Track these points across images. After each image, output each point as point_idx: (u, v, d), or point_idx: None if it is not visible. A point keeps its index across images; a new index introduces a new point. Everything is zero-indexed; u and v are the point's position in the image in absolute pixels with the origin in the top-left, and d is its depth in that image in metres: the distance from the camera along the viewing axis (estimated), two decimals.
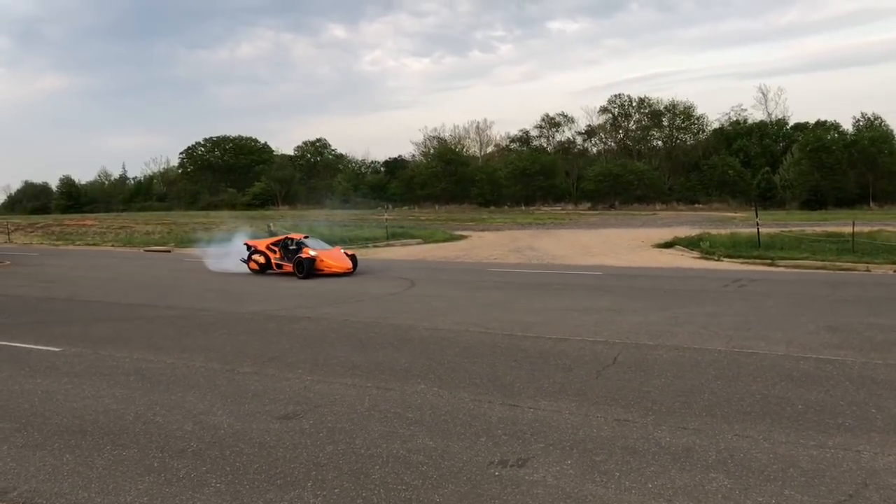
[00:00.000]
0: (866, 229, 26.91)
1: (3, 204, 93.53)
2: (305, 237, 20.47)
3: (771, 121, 76.97)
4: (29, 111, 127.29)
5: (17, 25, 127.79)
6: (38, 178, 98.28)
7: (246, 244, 20.94)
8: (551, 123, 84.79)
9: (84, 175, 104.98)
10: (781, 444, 5.47)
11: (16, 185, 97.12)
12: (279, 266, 19.67)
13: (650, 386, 7.21)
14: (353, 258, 19.54)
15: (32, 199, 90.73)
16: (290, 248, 19.73)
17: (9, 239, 41.98)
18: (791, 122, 76.50)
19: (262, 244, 20.60)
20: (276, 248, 20.04)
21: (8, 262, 25.91)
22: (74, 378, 8.19)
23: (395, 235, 32.71)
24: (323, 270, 18.67)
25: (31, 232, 45.93)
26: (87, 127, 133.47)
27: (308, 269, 18.53)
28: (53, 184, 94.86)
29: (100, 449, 5.82)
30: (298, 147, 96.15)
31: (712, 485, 4.76)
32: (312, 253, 18.90)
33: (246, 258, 20.37)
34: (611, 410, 6.44)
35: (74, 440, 6.05)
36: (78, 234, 43.12)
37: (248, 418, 6.50)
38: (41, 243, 39.76)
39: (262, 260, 20.03)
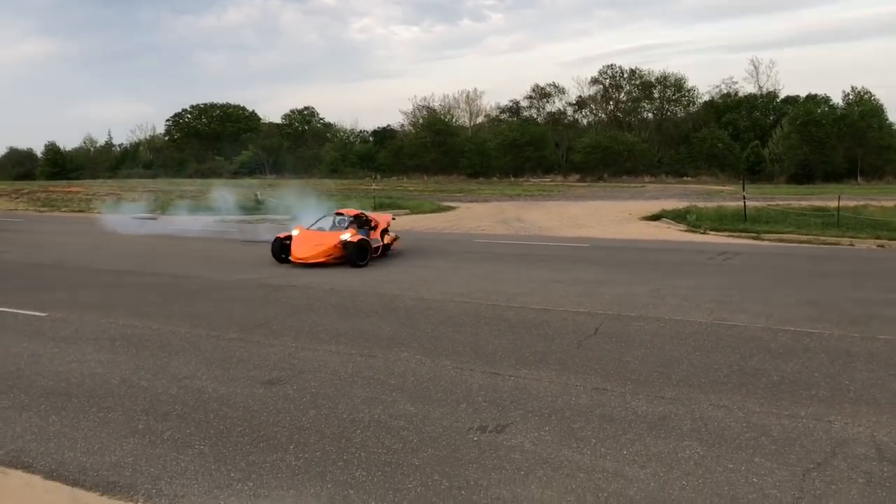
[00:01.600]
0: (852, 204, 27.11)
1: None
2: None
3: (761, 94, 76.91)
4: (13, 76, 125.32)
5: None
6: (22, 144, 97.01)
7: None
8: (542, 94, 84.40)
9: (69, 142, 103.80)
10: (755, 413, 5.61)
11: (0, 151, 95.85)
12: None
13: (630, 356, 7.34)
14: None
15: (17, 166, 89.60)
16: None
17: None
18: (782, 96, 76.49)
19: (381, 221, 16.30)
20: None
21: None
22: (60, 342, 8.23)
23: (382, 206, 32.64)
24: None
25: (17, 198, 45.48)
26: (72, 93, 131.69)
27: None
28: (38, 150, 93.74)
29: (85, 411, 5.89)
30: (286, 115, 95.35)
31: (685, 452, 4.88)
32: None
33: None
34: (590, 379, 6.56)
35: (60, 402, 6.11)
36: (63, 200, 42.76)
37: (233, 383, 6.57)
38: (26, 209, 39.42)
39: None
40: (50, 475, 4.74)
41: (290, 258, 14.60)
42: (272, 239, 15.41)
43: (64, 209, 38.00)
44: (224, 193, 31.90)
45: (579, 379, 6.58)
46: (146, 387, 6.51)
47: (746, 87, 78.74)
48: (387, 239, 16.10)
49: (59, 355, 7.65)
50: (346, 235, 14.65)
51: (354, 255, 14.40)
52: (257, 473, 4.69)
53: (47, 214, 35.79)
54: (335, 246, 14.57)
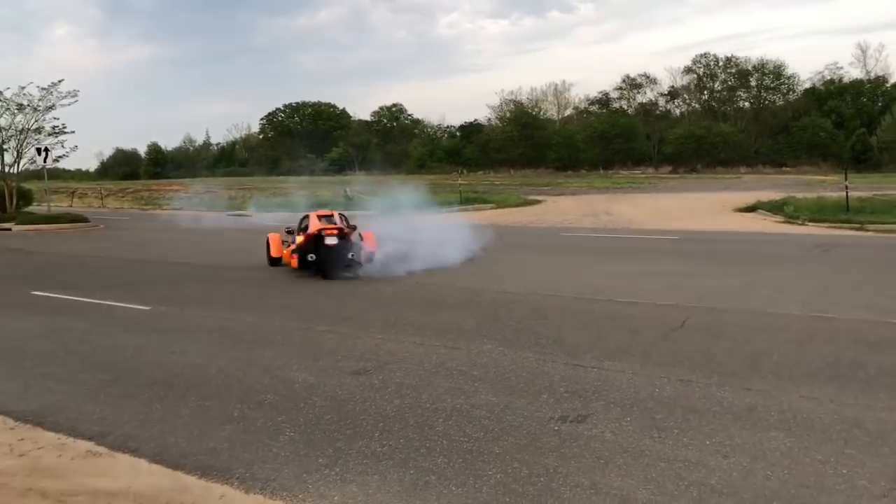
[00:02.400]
0: None
1: (96, 170, 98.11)
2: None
3: (869, 79, 72.55)
4: (118, 80, 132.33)
5: None
6: (127, 145, 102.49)
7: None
8: (632, 85, 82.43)
9: (170, 141, 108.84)
10: (848, 405, 5.39)
11: (107, 152, 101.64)
12: None
13: (717, 349, 7.16)
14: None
15: (123, 165, 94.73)
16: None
17: (102, 204, 44.30)
18: (892, 80, 71.92)
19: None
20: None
21: (102, 226, 27.48)
22: (163, 334, 8.75)
23: (468, 200, 32.83)
24: None
25: (122, 197, 48.32)
26: (172, 94, 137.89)
27: None
28: (142, 150, 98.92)
29: (185, 399, 6.26)
30: (375, 112, 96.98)
31: (772, 443, 4.76)
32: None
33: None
34: (674, 371, 6.45)
35: (162, 391, 6.51)
36: (165, 198, 45.07)
37: (322, 373, 6.83)
38: (131, 208, 41.85)
39: None
40: (154, 459, 5.06)
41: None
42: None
43: (165, 207, 40.04)
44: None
45: (664, 371, 6.48)
46: (241, 377, 6.85)
47: (852, 73, 74.35)
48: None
49: (162, 347, 8.14)
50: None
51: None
52: (344, 459, 4.88)
53: (149, 212, 37.86)
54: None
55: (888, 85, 71.34)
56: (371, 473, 4.64)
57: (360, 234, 13.51)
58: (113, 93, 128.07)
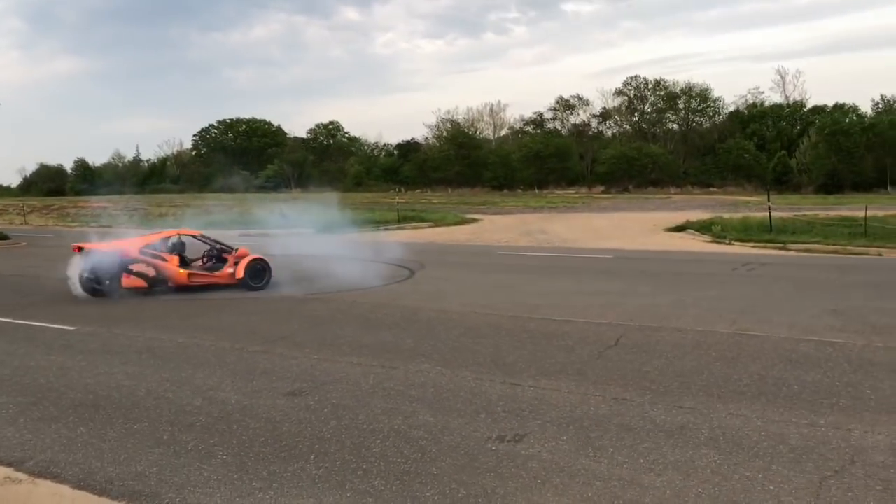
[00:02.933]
0: (881, 213, 26.70)
1: (18, 186, 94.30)
2: (202, 234, 14.35)
3: (788, 103, 76.08)
4: (43, 93, 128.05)
5: (31, 7, 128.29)
6: (52, 160, 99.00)
7: (79, 248, 13.23)
8: (566, 106, 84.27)
9: (98, 157, 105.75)
10: (774, 422, 5.59)
11: (31, 167, 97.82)
12: (191, 277, 13.43)
13: (650, 366, 7.33)
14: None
15: (47, 181, 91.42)
16: (209, 251, 14.04)
17: (25, 221, 42.53)
18: (809, 105, 75.58)
19: (132, 248, 13.36)
20: (166, 253, 13.41)
21: (24, 244, 26.34)
22: (88, 355, 8.43)
23: (406, 218, 32.85)
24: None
25: (47, 214, 46.50)
26: (100, 109, 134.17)
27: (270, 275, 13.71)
28: (68, 166, 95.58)
29: (112, 422, 6.03)
30: (311, 130, 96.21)
31: (703, 460, 4.89)
32: (258, 254, 13.92)
33: (100, 274, 12.87)
34: (609, 389, 6.57)
35: (88, 414, 6.26)
36: (92, 216, 43.54)
37: (256, 395, 6.68)
38: (56, 225, 40.26)
39: (151, 272, 13.23)
40: (78, 485, 4.86)
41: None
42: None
43: (93, 224, 38.69)
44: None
45: (598, 389, 6.59)
46: (171, 398, 6.65)
47: (773, 97, 77.95)
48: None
49: (88, 368, 7.83)
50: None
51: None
52: (279, 482, 4.78)
53: (77, 229, 36.48)
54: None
55: (805, 109, 74.94)
56: (307, 497, 4.56)
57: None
58: (37, 107, 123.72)
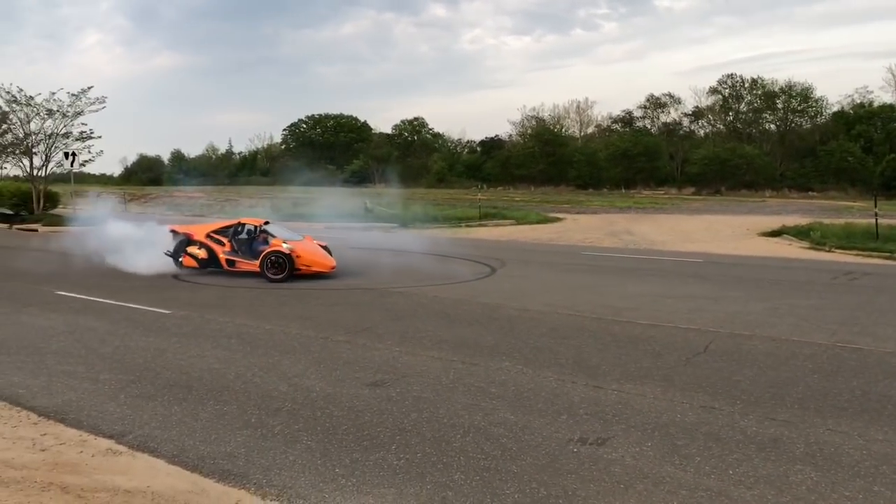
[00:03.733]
0: None
1: (120, 175, 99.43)
2: (266, 223, 15.34)
3: None
4: (144, 88, 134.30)
5: (133, 5, 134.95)
6: (151, 152, 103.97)
7: (173, 231, 15.41)
8: (656, 104, 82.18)
9: (193, 149, 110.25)
10: (877, 441, 5.27)
11: (132, 158, 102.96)
12: (231, 263, 14.58)
13: (741, 375, 7.05)
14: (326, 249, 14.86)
15: (147, 171, 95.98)
16: (244, 237, 14.92)
17: (125, 209, 44.83)
18: None
19: (199, 232, 15.06)
20: (225, 239, 14.77)
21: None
22: (182, 338, 8.79)
23: (488, 216, 32.80)
24: (300, 270, 14.04)
25: (146, 202, 48.87)
26: (196, 103, 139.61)
27: (291, 268, 13.90)
28: (165, 157, 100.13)
29: (204, 403, 6.26)
30: (396, 126, 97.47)
31: (797, 476, 4.65)
32: (286, 246, 14.12)
33: (173, 251, 15.00)
34: (697, 397, 6.35)
35: (182, 393, 6.53)
36: (186, 205, 45.48)
37: (339, 383, 6.81)
38: (154, 213, 42.23)
39: (202, 254, 14.69)
40: (172, 460, 5.08)
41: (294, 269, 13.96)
42: None
43: (187, 213, 40.40)
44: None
45: (686, 396, 6.39)
46: (259, 383, 6.85)
47: (883, 97, 73.57)
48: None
49: (181, 350, 8.17)
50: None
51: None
52: (360, 470, 4.85)
53: (172, 217, 38.18)
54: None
55: None
56: (387, 486, 4.60)
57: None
58: (138, 100, 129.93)
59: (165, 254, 15.05)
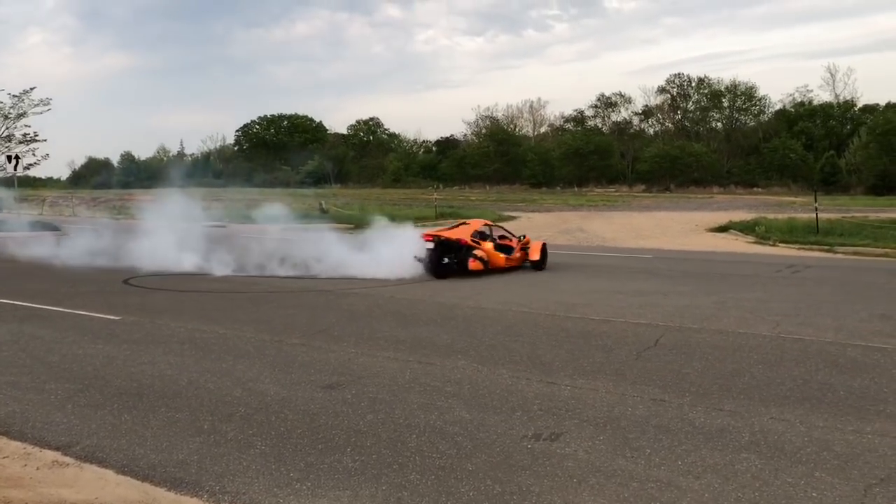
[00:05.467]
0: None
1: (67, 178, 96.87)
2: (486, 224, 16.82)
3: (838, 102, 74.20)
4: (92, 89, 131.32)
5: (82, 4, 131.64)
6: (100, 154, 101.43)
7: (434, 236, 14.87)
8: (607, 103, 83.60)
9: (143, 151, 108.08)
10: (818, 428, 5.46)
11: (80, 161, 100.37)
12: (485, 262, 15.12)
13: (690, 368, 7.23)
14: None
15: (95, 174, 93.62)
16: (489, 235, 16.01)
17: (73, 213, 43.66)
18: (860, 104, 73.65)
19: (464, 235, 15.22)
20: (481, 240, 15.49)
21: (72, 235, 27.01)
22: (133, 345, 8.62)
23: (443, 215, 32.87)
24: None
25: (94, 206, 47.67)
26: (147, 104, 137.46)
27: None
28: (115, 159, 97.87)
29: (155, 410, 6.16)
30: (352, 126, 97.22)
31: (743, 464, 4.80)
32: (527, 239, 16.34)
33: (427, 257, 14.47)
34: (647, 390, 6.49)
35: (132, 401, 6.40)
36: (137, 208, 44.46)
37: (294, 387, 6.76)
38: (102, 217, 41.20)
39: (482, 255, 15.09)
40: (122, 470, 4.97)
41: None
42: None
43: (137, 217, 39.53)
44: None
45: (637, 390, 6.52)
46: (212, 388, 6.76)
47: (822, 96, 76.12)
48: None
49: (132, 357, 8.01)
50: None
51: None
52: (315, 474, 4.83)
53: (123, 222, 37.31)
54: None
55: (856, 108, 73.02)
56: (343, 489, 4.60)
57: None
58: (87, 101, 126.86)
59: (416, 258, 14.59)
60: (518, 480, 4.64)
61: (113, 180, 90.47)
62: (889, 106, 69.23)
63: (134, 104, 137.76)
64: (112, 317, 10.31)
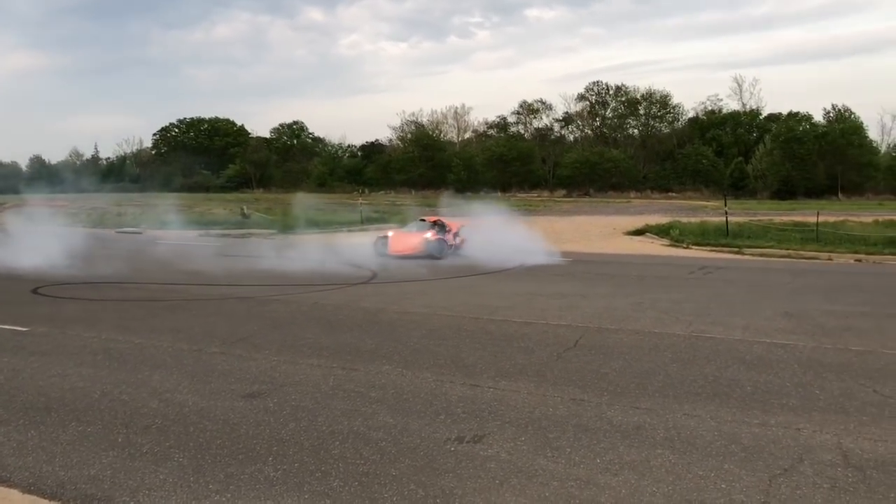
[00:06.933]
0: (832, 219, 27.49)
1: None
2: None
3: (745, 111, 77.75)
4: None
5: None
6: (6, 157, 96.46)
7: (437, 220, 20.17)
8: (529, 110, 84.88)
9: (54, 155, 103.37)
10: (727, 422, 5.72)
11: None
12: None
13: (608, 368, 7.44)
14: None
15: (1, 179, 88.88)
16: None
17: None
18: (765, 113, 77.36)
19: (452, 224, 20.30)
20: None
21: None
22: (42, 357, 8.23)
23: (369, 220, 32.73)
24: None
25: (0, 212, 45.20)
26: (57, 106, 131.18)
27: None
28: (23, 163, 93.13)
29: (65, 425, 5.90)
30: (275, 129, 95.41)
31: (658, 460, 4.98)
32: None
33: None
34: (567, 391, 6.65)
35: (39, 416, 6.12)
36: (48, 214, 42.44)
37: (214, 396, 6.61)
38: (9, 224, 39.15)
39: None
40: (28, 489, 4.75)
41: (387, 252, 18.37)
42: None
43: (48, 224, 37.73)
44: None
45: (557, 390, 6.67)
46: (127, 400, 6.53)
47: (730, 105, 79.60)
48: (458, 240, 19.70)
49: (41, 370, 7.64)
50: (428, 235, 18.96)
51: (433, 251, 18.41)
52: (235, 485, 4.74)
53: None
54: (420, 243, 18.59)
55: (762, 117, 76.66)
56: (264, 499, 4.53)
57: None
58: None
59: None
60: (441, 484, 4.68)
61: (20, 185, 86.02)
62: (791, 115, 73.02)
63: (44, 106, 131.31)
64: (19, 328, 9.81)
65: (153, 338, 9.17)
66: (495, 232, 20.18)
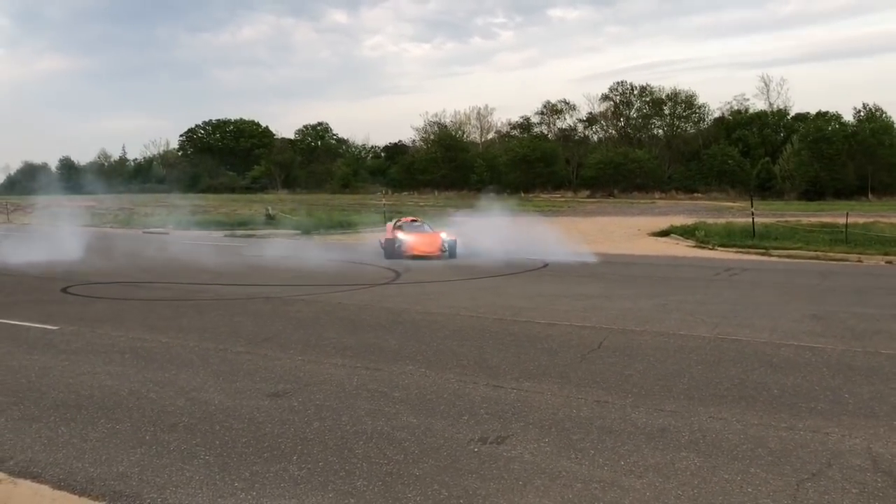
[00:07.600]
0: (861, 220, 27.05)
1: (2, 184, 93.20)
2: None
3: (772, 111, 76.81)
4: (28, 92, 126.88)
5: (16, 5, 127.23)
6: (37, 159, 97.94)
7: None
8: (552, 110, 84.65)
9: (83, 156, 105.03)
10: (753, 425, 5.65)
11: (15, 166, 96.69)
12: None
13: (632, 370, 7.39)
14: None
15: (32, 180, 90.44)
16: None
17: (8, 219, 42.11)
18: (792, 113, 76.39)
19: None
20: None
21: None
22: (71, 355, 8.37)
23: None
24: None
25: (31, 212, 46.00)
26: (87, 108, 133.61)
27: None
28: (53, 164, 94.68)
29: (94, 422, 6.00)
30: (299, 131, 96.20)
31: (682, 463, 4.94)
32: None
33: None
34: (591, 392, 6.62)
35: (70, 414, 6.22)
36: (77, 214, 43.12)
37: (239, 395, 6.67)
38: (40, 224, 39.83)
39: None
40: (58, 485, 4.82)
41: (404, 252, 18.72)
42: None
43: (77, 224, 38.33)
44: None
45: (581, 392, 6.64)
46: (154, 399, 6.62)
47: (757, 104, 78.69)
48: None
49: (70, 368, 7.78)
50: (444, 235, 19.62)
51: (451, 251, 19.00)
52: (261, 483, 4.78)
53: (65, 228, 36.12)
54: (439, 243, 19.15)
55: (789, 117, 75.69)
56: (289, 497, 4.56)
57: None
58: (22, 105, 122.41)
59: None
60: (465, 484, 4.68)
61: (51, 185, 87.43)
62: (819, 115, 71.97)
63: (73, 108, 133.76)
64: (49, 326, 9.99)
65: (180, 337, 9.29)
66: (519, 233, 20.53)
